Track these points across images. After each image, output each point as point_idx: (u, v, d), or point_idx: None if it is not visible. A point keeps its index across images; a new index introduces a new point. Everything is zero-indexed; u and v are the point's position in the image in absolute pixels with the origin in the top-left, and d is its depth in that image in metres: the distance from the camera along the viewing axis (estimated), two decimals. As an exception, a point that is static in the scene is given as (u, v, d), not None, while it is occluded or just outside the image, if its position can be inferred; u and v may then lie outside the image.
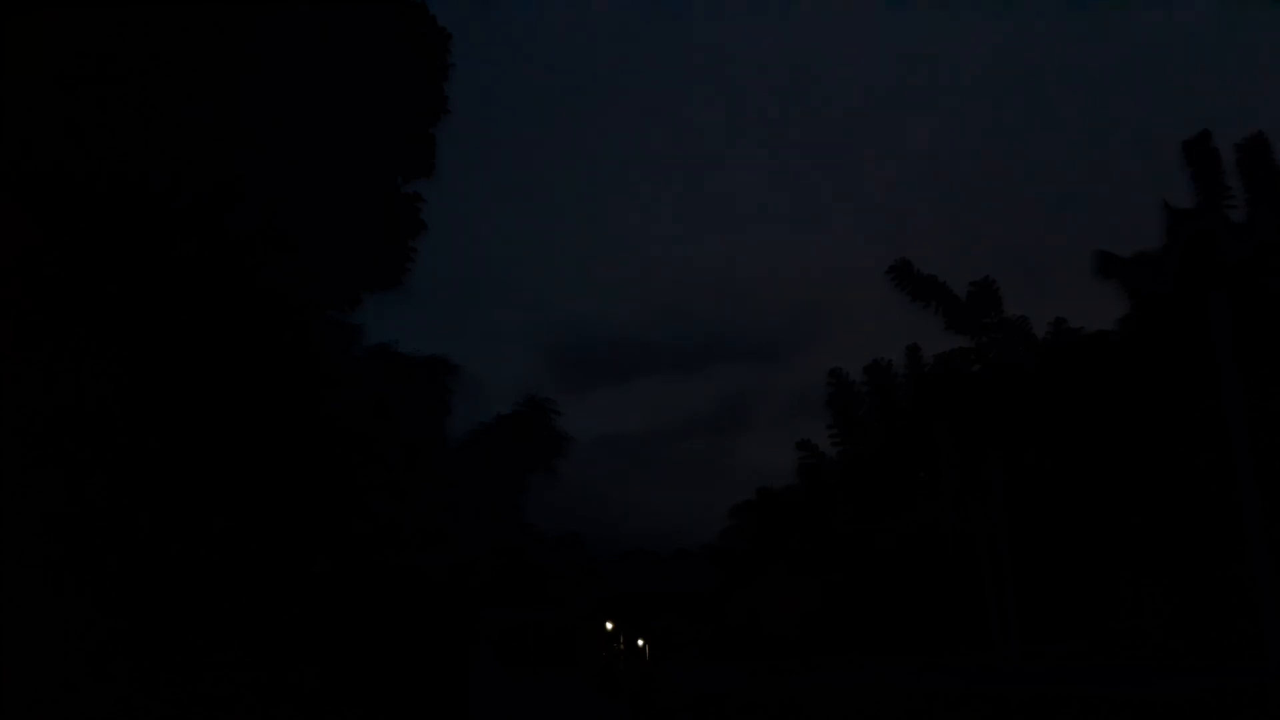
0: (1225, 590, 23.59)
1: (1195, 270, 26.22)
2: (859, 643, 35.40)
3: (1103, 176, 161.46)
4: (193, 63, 10.99)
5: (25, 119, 10.02)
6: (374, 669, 13.67)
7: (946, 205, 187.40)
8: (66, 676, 9.63)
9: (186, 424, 11.08)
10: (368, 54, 12.93)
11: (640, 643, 58.01)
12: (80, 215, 10.52)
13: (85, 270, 10.50)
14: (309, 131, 12.52)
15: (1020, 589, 30.09)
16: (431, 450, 21.02)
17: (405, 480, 17.50)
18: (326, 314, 14.85)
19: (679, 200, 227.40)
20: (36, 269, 10.17)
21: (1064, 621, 29.07)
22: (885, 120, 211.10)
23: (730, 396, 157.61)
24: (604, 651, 44.98)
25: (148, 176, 10.89)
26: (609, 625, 48.73)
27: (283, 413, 12.20)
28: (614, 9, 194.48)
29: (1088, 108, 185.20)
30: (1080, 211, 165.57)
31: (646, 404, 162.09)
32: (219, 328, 11.57)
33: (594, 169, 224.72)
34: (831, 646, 36.04)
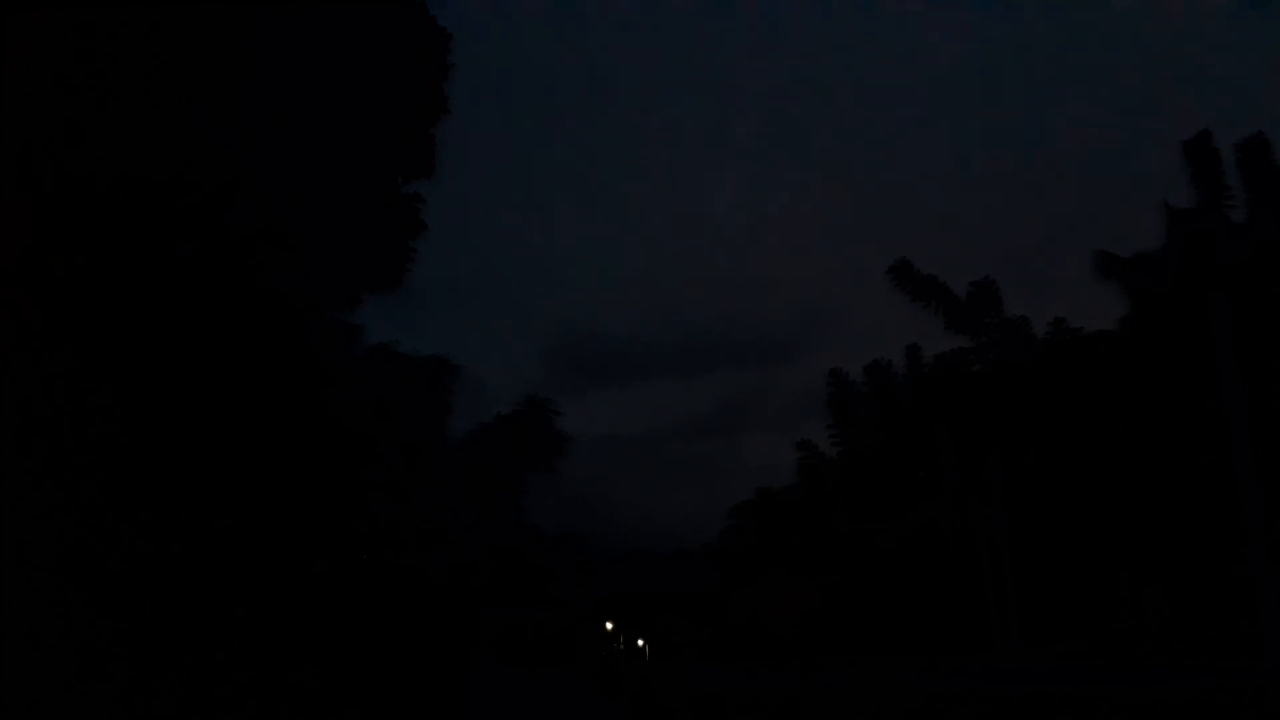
0: (1225, 590, 23.59)
1: (1195, 270, 26.23)
2: (859, 643, 35.42)
3: (1103, 176, 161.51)
4: (193, 63, 10.99)
5: (25, 119, 10.02)
6: (374, 669, 13.66)
7: (947, 205, 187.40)
8: (66, 676, 9.63)
9: (187, 424, 11.08)
10: (368, 54, 12.93)
11: (640, 643, 58.07)
12: (80, 215, 10.52)
13: (86, 271, 10.50)
14: (309, 131, 12.52)
15: (1020, 589, 30.13)
16: (431, 450, 21.07)
17: (405, 480, 17.54)
18: (326, 314, 14.86)
19: (679, 201, 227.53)
20: (38, 270, 10.18)
21: (1064, 621, 29.08)
22: (885, 120, 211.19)
23: (730, 397, 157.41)
24: (604, 651, 44.96)
25: (148, 177, 10.89)
26: (609, 625, 48.75)
27: (283, 413, 12.20)
28: (614, 9, 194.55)
29: (1088, 108, 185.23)
30: (1080, 211, 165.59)
31: (647, 404, 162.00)
32: (219, 328, 11.57)
33: (594, 169, 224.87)
34: (831, 646, 36.04)
